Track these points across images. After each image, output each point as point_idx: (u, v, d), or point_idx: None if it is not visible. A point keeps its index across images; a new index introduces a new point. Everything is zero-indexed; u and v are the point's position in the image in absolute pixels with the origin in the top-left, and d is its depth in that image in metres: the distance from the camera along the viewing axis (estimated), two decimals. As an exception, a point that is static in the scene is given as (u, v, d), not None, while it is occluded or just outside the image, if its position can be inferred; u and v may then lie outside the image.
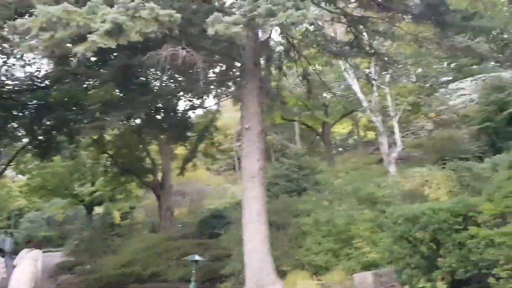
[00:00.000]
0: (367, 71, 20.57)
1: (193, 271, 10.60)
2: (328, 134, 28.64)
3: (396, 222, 7.38)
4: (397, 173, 19.79)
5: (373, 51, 13.17)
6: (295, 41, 14.18)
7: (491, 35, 23.94)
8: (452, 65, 28.76)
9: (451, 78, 26.73)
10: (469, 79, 26.05)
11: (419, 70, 24.11)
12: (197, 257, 10.71)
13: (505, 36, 28.93)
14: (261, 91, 11.66)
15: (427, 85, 22.44)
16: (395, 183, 11.33)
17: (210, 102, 52.63)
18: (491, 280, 5.99)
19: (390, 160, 20.44)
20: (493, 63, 30.13)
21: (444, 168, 11.30)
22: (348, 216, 10.03)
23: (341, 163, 28.83)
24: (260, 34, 11.76)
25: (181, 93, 17.21)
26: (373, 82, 19.50)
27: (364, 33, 13.81)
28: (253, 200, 10.53)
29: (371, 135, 39.23)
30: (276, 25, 7.37)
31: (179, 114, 17.74)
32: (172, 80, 16.32)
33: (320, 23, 13.84)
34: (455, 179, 10.44)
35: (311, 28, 13.98)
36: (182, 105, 52.76)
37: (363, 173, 21.61)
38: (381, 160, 27.09)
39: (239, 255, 11.33)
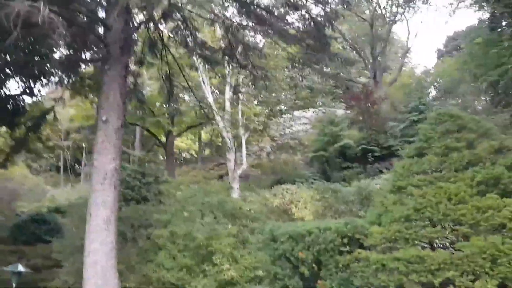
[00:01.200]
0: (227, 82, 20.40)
1: (14, 285, 8.49)
2: (171, 145, 27.48)
3: (278, 240, 6.86)
4: (239, 189, 19.97)
5: (246, 63, 12.79)
6: (164, 36, 13.00)
7: (333, 73, 26.49)
8: (292, 97, 30.79)
9: (285, 108, 28.41)
10: (311, 109, 28.14)
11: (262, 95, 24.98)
12: (20, 268, 8.62)
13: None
14: (125, 81, 10.23)
15: (277, 108, 23.33)
16: (264, 199, 10.95)
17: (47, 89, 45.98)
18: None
19: (235, 177, 20.45)
20: (322, 98, 33.43)
21: (312, 187, 11.42)
22: (210, 230, 9.20)
23: (181, 176, 28.08)
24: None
25: (12, 70, 14.20)
26: (228, 97, 19.32)
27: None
28: (102, 205, 9.01)
29: (208, 151, 39.56)
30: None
31: (6, 96, 14.61)
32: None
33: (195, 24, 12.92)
34: (320, 200, 10.61)
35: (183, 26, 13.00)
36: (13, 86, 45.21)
37: (203, 188, 21.22)
38: (221, 176, 27.24)
39: (74, 267, 9.61)
